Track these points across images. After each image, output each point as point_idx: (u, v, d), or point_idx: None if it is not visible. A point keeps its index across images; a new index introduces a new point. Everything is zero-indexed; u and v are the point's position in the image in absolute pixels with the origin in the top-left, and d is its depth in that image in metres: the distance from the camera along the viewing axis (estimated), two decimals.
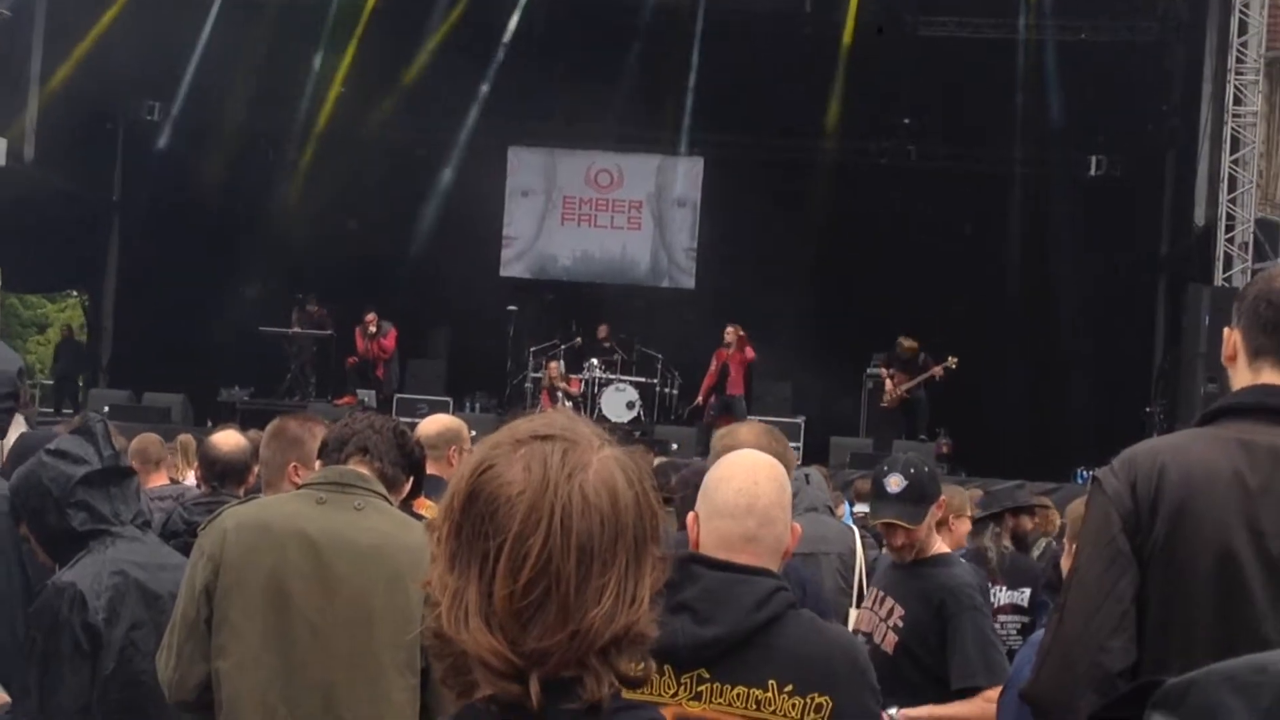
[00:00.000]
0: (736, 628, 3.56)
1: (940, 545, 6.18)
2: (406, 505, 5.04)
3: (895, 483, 6.16)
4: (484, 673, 2.03)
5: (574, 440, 2.10)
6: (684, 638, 3.56)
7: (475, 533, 2.05)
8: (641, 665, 2.12)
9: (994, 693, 5.71)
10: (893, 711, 5.64)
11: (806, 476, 8.97)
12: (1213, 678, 1.12)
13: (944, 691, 5.88)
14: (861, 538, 9.13)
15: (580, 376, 25.40)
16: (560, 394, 24.99)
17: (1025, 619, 9.12)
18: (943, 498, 6.14)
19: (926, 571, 6.05)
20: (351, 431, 4.76)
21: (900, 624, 6.05)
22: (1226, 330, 3.69)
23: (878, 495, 6.25)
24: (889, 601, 6.17)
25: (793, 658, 3.57)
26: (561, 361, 25.37)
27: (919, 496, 6.03)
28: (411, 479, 4.97)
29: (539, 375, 25.69)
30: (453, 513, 2.09)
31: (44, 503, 5.21)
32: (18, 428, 6.18)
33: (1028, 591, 9.17)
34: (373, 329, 25.02)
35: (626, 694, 3.57)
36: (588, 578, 2.03)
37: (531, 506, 2.03)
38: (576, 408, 24.85)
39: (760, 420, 22.69)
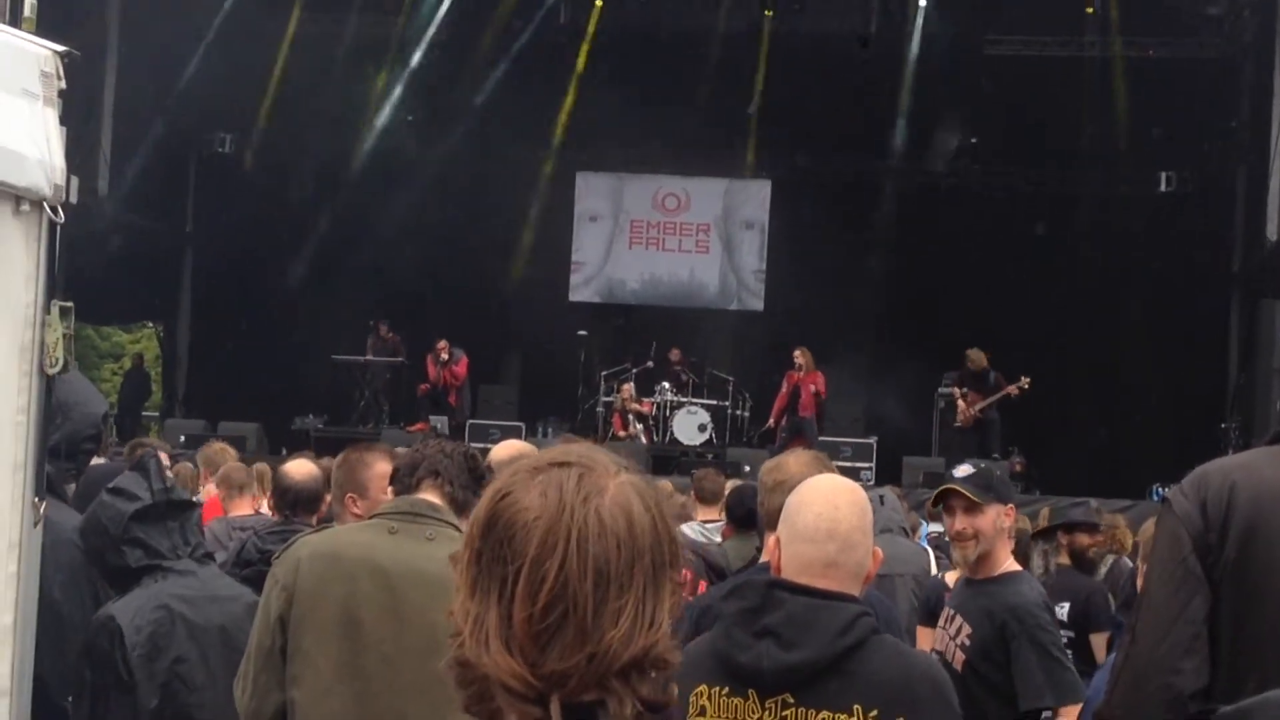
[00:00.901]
0: (821, 653, 3.59)
1: (1012, 564, 6.07)
2: None
3: (962, 470, 6.14)
4: (505, 697, 2.06)
5: (590, 467, 2.14)
6: (769, 662, 3.60)
7: (494, 558, 2.09)
8: (664, 689, 2.13)
9: (1069, 713, 5.69)
10: None
11: (881, 498, 8.99)
12: (1270, 703, 1.16)
13: (1014, 712, 5.81)
14: (937, 559, 9.15)
15: (652, 400, 25.41)
16: (632, 416, 25.02)
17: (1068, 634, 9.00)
18: (1012, 506, 6.01)
19: (993, 589, 5.97)
20: (423, 456, 4.77)
21: (968, 643, 5.98)
22: None
23: (943, 481, 6.27)
24: (958, 620, 6.10)
25: (876, 682, 3.60)
26: (633, 384, 25.38)
27: (985, 485, 5.96)
28: None
29: (610, 399, 25.71)
30: (473, 540, 2.13)
31: (104, 541, 5.30)
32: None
33: (1066, 606, 9.05)
34: (445, 356, 25.07)
35: (715, 719, 3.64)
36: (605, 600, 2.05)
37: (548, 531, 2.06)
38: (649, 430, 24.92)
39: (832, 440, 22.86)
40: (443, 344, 25.19)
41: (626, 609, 2.07)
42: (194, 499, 6.30)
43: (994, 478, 6.06)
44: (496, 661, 2.05)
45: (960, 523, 5.98)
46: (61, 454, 5.87)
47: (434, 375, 25.26)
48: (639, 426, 25.07)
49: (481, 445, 5.09)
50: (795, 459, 5.51)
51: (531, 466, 2.15)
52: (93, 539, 5.36)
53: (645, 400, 25.35)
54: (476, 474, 4.77)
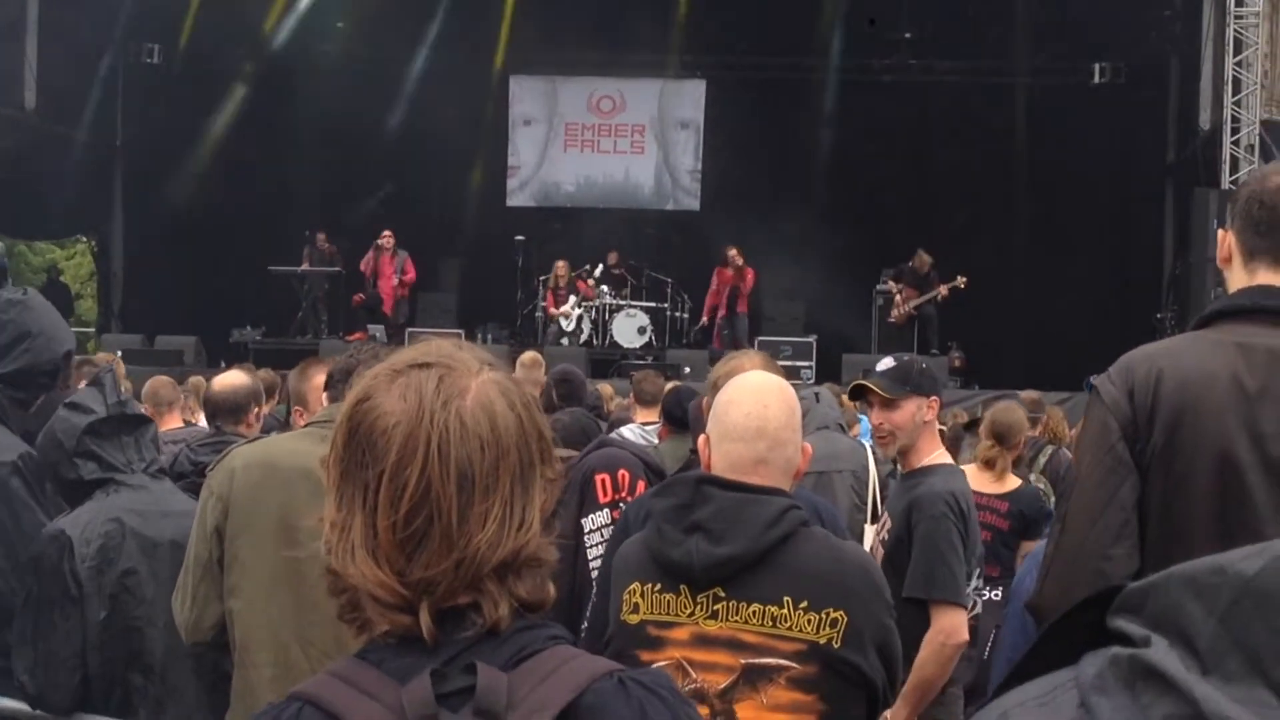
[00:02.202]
0: (750, 546, 3.60)
1: (938, 456, 6.01)
2: None
3: (882, 364, 6.13)
4: (374, 606, 2.02)
5: (451, 367, 2.09)
6: (699, 557, 3.62)
7: (356, 465, 2.04)
8: (540, 588, 2.09)
9: (944, 620, 5.61)
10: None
11: (816, 395, 9.03)
12: (1173, 580, 1.15)
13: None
14: (874, 453, 9.18)
15: (588, 283, 25.46)
16: (567, 294, 25.07)
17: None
18: (935, 399, 5.94)
19: (912, 481, 5.94)
20: (356, 362, 4.69)
21: (886, 537, 5.99)
22: (1220, 232, 3.62)
23: (864, 376, 6.25)
24: (885, 516, 6.15)
25: (807, 574, 3.62)
26: (567, 262, 25.40)
27: (902, 377, 5.91)
28: None
29: (546, 277, 25.69)
30: (335, 447, 2.08)
31: (58, 454, 5.28)
32: None
33: None
34: (387, 244, 25.02)
35: (648, 615, 3.66)
36: (470, 504, 2.01)
37: (408, 436, 2.01)
38: (587, 311, 24.97)
39: (772, 340, 22.93)
40: (387, 233, 25.11)
41: (493, 511, 2.02)
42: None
43: (913, 370, 6.00)
44: (362, 571, 2.00)
45: (876, 417, 5.96)
46: (13, 382, 5.82)
47: (369, 269, 25.17)
48: (575, 305, 25.07)
49: None
50: (750, 359, 5.51)
51: (391, 369, 2.10)
52: (49, 452, 5.34)
53: (580, 280, 25.36)
54: None
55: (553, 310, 25.24)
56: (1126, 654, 1.13)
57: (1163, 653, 1.11)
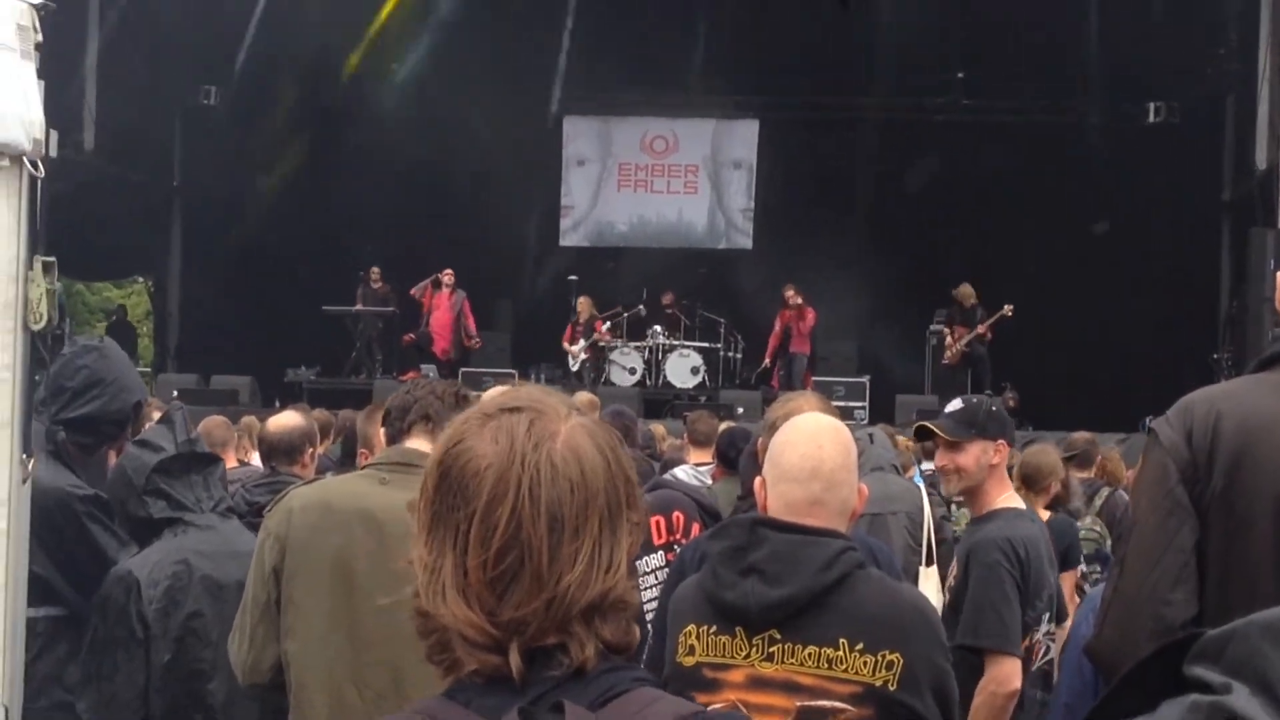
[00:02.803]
0: (806, 588, 3.60)
1: (1007, 500, 5.95)
2: None
3: (951, 405, 6.09)
4: (464, 646, 2.05)
5: (541, 411, 2.12)
6: (754, 599, 3.62)
7: (447, 507, 2.08)
8: (626, 630, 2.12)
9: (995, 669, 5.55)
10: None
11: (870, 436, 8.99)
12: (1253, 628, 1.15)
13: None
14: (929, 496, 9.15)
15: (609, 332, 25.55)
16: (582, 334, 25.15)
17: None
18: (1002, 442, 5.86)
19: (975, 527, 5.93)
20: (414, 399, 4.72)
21: (952, 582, 5.99)
22: (1277, 273, 3.63)
23: (930, 417, 6.20)
24: (955, 561, 6.13)
25: (862, 616, 3.61)
26: (591, 299, 25.54)
27: (968, 419, 5.86)
28: None
29: (602, 344, 25.74)
30: (426, 489, 2.12)
31: (128, 492, 5.32)
32: None
33: None
34: (448, 282, 25.13)
35: (704, 657, 3.66)
36: (559, 544, 2.04)
37: (499, 477, 2.05)
38: (592, 355, 24.99)
39: (825, 380, 22.90)
40: (449, 271, 25.21)
41: (582, 552, 2.05)
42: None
43: (980, 412, 5.94)
44: (453, 611, 2.04)
45: (940, 458, 5.95)
46: (81, 428, 5.87)
47: (426, 301, 25.26)
48: (583, 350, 25.10)
49: (474, 394, 4.98)
50: (807, 400, 5.49)
51: (482, 413, 2.14)
52: (118, 489, 5.38)
53: (599, 321, 25.38)
54: None
55: (565, 344, 25.31)
56: (1207, 701, 1.13)
57: (1244, 700, 1.11)
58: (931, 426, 5.93)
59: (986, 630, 5.61)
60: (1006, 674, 5.58)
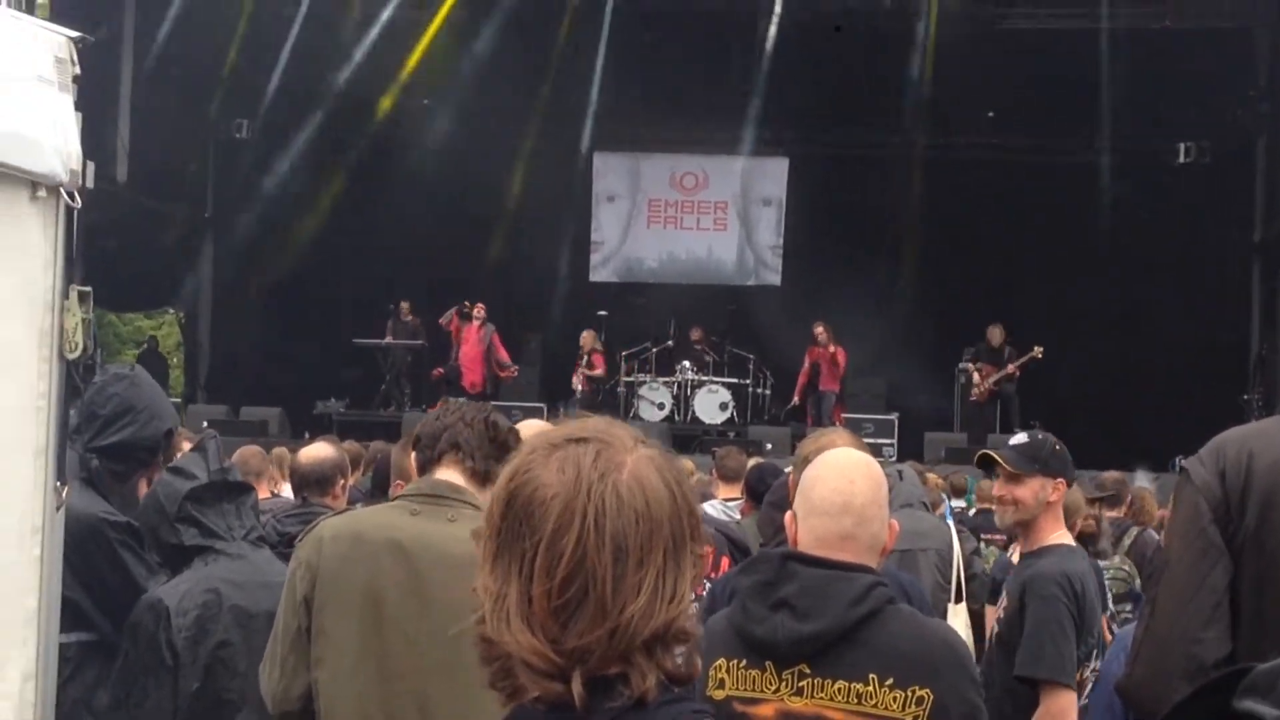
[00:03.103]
0: (836, 623, 3.59)
1: (1060, 537, 6.02)
2: None
3: (1016, 438, 6.15)
4: (527, 673, 2.06)
5: (608, 442, 2.14)
6: (784, 633, 3.61)
7: (513, 535, 2.10)
8: (687, 662, 2.14)
9: (1052, 702, 5.58)
10: None
11: (900, 473, 8.97)
12: None
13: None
14: (959, 533, 9.13)
15: (633, 353, 25.62)
16: (584, 365, 25.20)
17: None
18: (1062, 481, 5.94)
19: (1028, 562, 5.98)
20: (444, 426, 4.69)
21: (1002, 615, 6.04)
22: None
23: (994, 448, 6.25)
24: (1004, 596, 6.17)
25: (893, 651, 3.60)
26: (596, 331, 25.59)
27: (1031, 455, 5.95)
28: None
29: (631, 379, 25.78)
30: (493, 517, 2.14)
31: (160, 519, 5.33)
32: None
33: None
34: (480, 315, 25.16)
35: (734, 691, 3.65)
36: (624, 574, 2.06)
37: (565, 506, 2.07)
38: (588, 388, 24.98)
39: (854, 417, 22.87)
40: (480, 305, 25.26)
41: (646, 582, 2.07)
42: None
43: (1045, 449, 6.01)
44: (518, 639, 2.06)
45: (999, 489, 6.03)
46: (113, 455, 5.90)
47: (455, 332, 25.27)
48: (579, 381, 25.11)
49: (505, 421, 4.92)
50: (840, 436, 5.51)
51: (549, 443, 2.16)
52: (149, 516, 5.39)
53: (597, 354, 25.39)
54: (499, 443, 4.69)
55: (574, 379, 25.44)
56: None
57: None
58: (995, 456, 6.00)
59: (1047, 662, 5.66)
60: (1062, 707, 5.61)
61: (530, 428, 6.99)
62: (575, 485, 2.08)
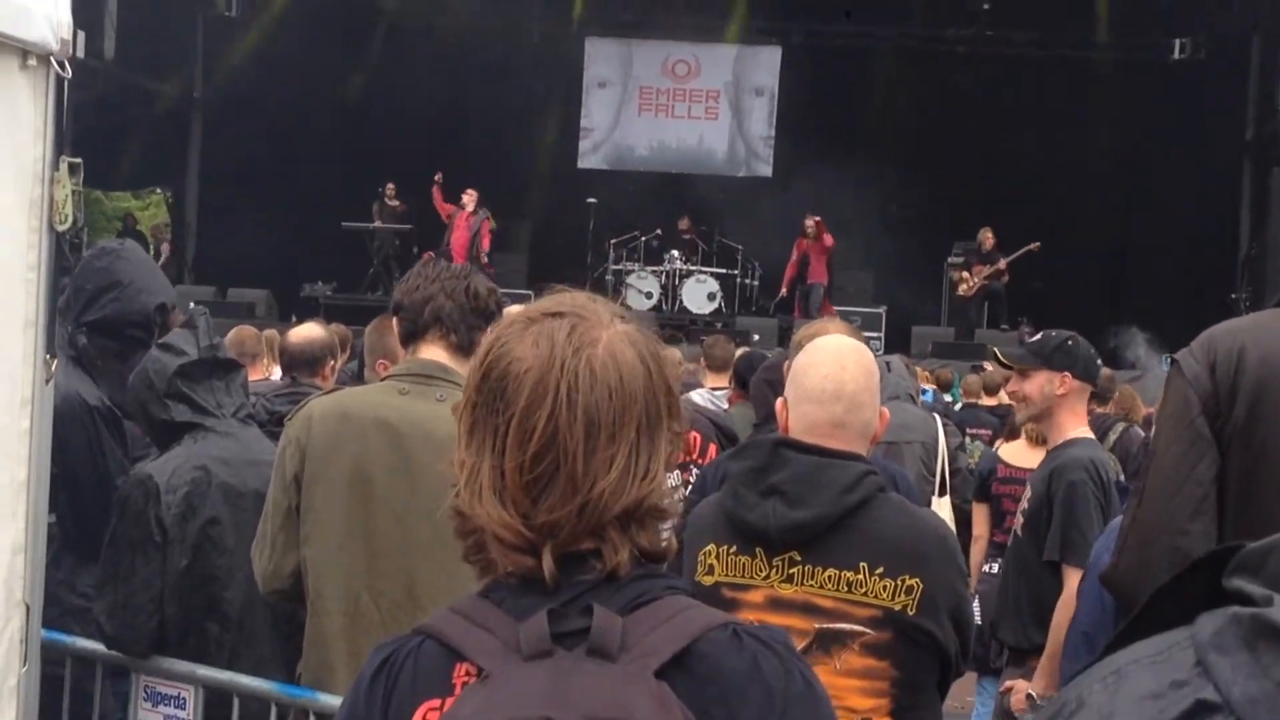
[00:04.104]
0: (827, 511, 3.59)
1: (1079, 431, 6.12)
2: None
3: (1029, 334, 6.28)
4: (498, 547, 2.07)
5: (583, 316, 2.13)
6: (775, 520, 3.61)
7: (488, 409, 2.09)
8: (664, 539, 2.14)
9: (1075, 584, 5.66)
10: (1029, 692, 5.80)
11: (888, 364, 8.97)
12: None
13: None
14: (944, 427, 9.17)
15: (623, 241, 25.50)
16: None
17: None
18: (1066, 375, 5.99)
19: (1054, 454, 6.11)
20: (425, 297, 4.62)
21: (1026, 506, 6.17)
22: None
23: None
24: (1025, 488, 6.32)
25: (883, 540, 3.60)
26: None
27: (1035, 350, 6.07)
28: None
29: (619, 267, 25.73)
30: (469, 392, 2.14)
31: (150, 395, 5.31)
32: None
33: None
34: (469, 203, 24.98)
35: (723, 577, 3.66)
36: (595, 449, 2.05)
37: (538, 380, 2.06)
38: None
39: (842, 310, 22.88)
40: (471, 192, 25.04)
41: (618, 458, 2.06)
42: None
43: (1050, 344, 6.08)
44: (489, 512, 2.06)
45: (1010, 384, 6.22)
46: (103, 331, 5.87)
47: (447, 215, 25.09)
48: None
49: (487, 287, 4.83)
50: (834, 325, 5.53)
51: (526, 317, 2.15)
52: (140, 391, 5.36)
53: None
54: (480, 311, 4.68)
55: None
56: (1248, 613, 1.12)
57: None
58: (999, 354, 6.19)
59: (1072, 546, 5.85)
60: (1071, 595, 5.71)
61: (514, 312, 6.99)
62: (549, 359, 2.07)
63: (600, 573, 2.06)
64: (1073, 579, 5.74)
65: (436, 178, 25.20)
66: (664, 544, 2.14)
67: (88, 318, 5.85)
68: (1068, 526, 5.89)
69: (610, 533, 2.06)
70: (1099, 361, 6.21)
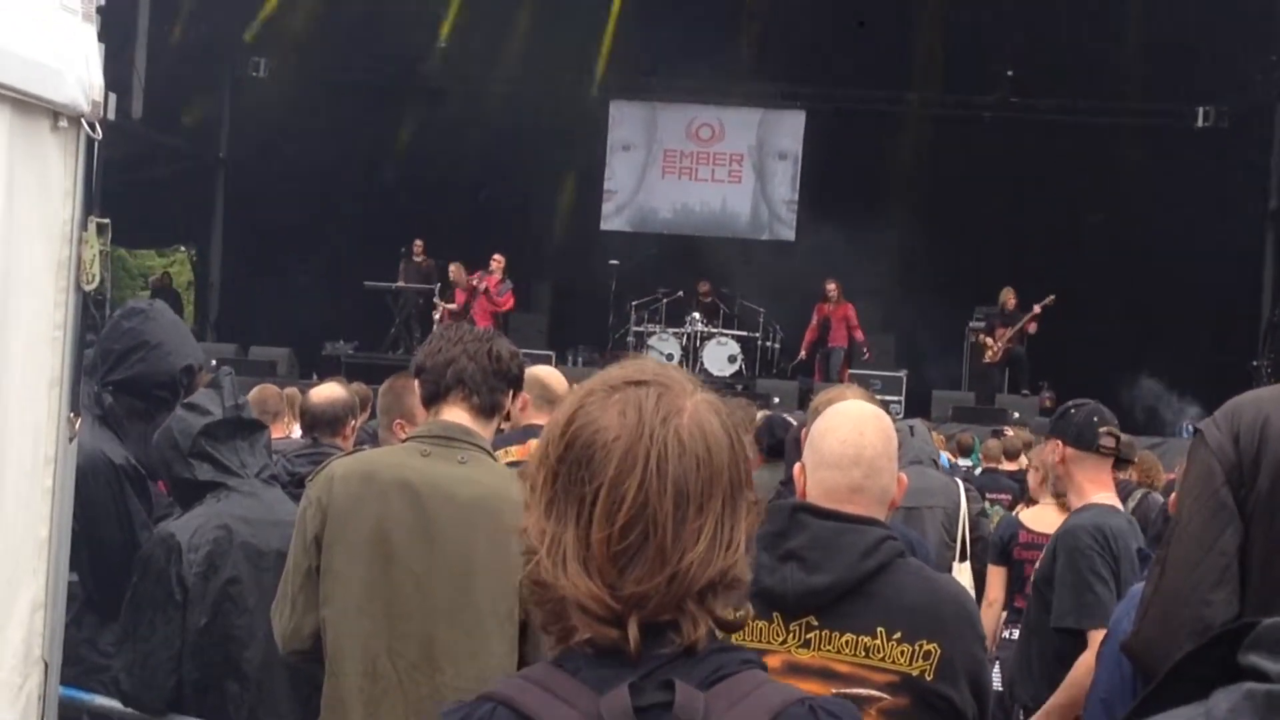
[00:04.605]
0: (845, 576, 3.58)
1: (1100, 498, 6.18)
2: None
3: (1050, 399, 6.44)
4: (582, 617, 2.05)
5: (668, 385, 2.12)
6: (792, 585, 3.60)
7: (572, 479, 2.07)
8: (740, 610, 2.13)
9: (1091, 652, 5.68)
10: None
11: (911, 429, 8.98)
12: None
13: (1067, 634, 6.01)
14: (966, 492, 9.14)
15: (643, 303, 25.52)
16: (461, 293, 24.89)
17: None
18: (1056, 442, 6.20)
19: (1068, 520, 6.19)
20: (448, 359, 4.66)
21: (1038, 567, 6.27)
22: None
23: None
24: (1042, 552, 6.40)
25: (901, 605, 3.59)
26: (462, 266, 25.13)
27: (1053, 419, 6.30)
28: (513, 393, 4.87)
29: (640, 329, 25.76)
30: (548, 460, 2.12)
31: (174, 454, 5.34)
32: None
33: None
34: (496, 269, 24.93)
35: (736, 639, 3.65)
36: (684, 520, 2.04)
37: (627, 451, 2.05)
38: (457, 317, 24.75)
39: (863, 373, 22.87)
40: (497, 257, 25.00)
41: (705, 529, 2.06)
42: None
43: (1059, 414, 6.31)
44: (575, 583, 2.04)
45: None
46: (129, 391, 5.90)
47: (463, 299, 25.04)
48: (445, 314, 24.81)
49: (509, 350, 4.82)
50: (852, 391, 5.57)
51: (607, 385, 2.14)
52: (164, 451, 5.39)
53: (461, 292, 25.11)
54: (503, 374, 4.70)
55: (436, 298, 25.15)
56: (1263, 689, 1.12)
57: None
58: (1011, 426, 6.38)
59: (1086, 610, 5.90)
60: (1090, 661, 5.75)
61: (539, 372, 7.01)
62: (638, 429, 2.06)
63: (679, 646, 2.05)
64: (1094, 640, 5.73)
65: (494, 261, 25.01)
66: (739, 615, 2.14)
67: (114, 377, 5.89)
68: (1080, 591, 5.93)
69: (690, 605, 2.06)
70: (1103, 429, 6.21)
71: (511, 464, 7.44)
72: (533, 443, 7.41)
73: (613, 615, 2.04)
